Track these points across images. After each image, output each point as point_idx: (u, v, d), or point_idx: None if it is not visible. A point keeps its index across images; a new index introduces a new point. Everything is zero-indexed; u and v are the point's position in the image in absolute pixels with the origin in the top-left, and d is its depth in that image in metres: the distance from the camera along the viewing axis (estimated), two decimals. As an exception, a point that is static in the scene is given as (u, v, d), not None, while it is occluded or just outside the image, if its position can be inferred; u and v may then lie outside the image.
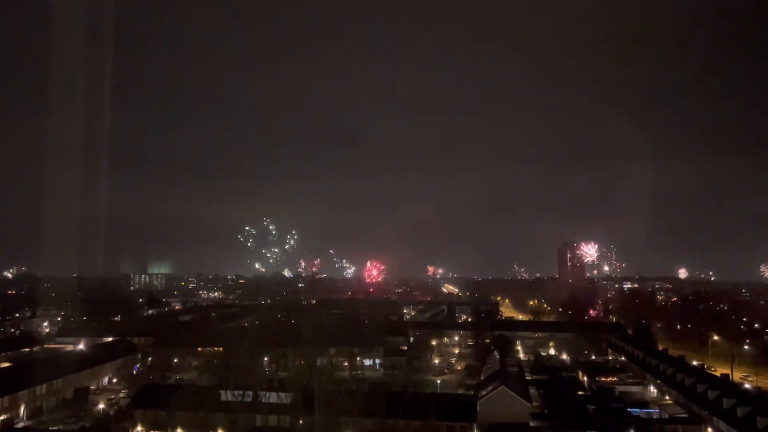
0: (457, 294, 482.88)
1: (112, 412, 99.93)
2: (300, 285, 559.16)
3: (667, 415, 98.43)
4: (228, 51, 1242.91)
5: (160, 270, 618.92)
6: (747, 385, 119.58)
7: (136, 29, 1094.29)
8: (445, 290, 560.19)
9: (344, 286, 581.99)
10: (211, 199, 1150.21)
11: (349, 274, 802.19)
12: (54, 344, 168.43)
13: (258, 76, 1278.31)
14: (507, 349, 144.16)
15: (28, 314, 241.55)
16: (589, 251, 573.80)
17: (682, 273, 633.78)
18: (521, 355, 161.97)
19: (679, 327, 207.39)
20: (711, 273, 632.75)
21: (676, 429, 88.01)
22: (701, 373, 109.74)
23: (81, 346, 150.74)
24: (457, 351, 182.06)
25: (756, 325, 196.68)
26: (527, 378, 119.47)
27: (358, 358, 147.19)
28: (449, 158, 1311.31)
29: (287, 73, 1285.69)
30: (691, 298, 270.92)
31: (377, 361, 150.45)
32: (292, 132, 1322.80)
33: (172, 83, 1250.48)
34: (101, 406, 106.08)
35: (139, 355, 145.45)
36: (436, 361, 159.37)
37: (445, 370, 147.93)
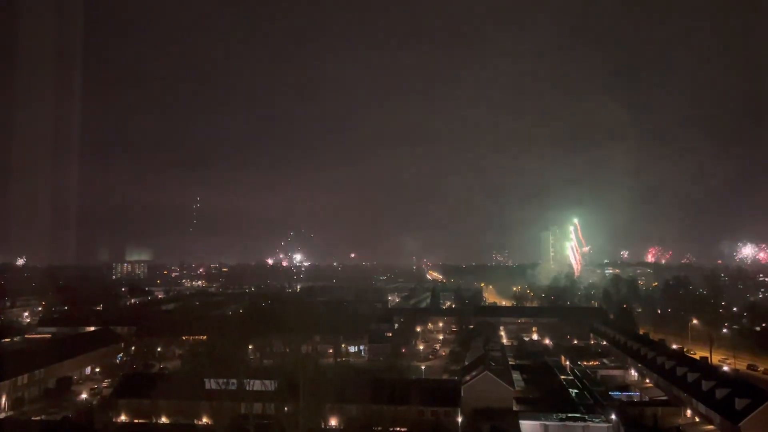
0: (442, 280, 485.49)
1: (95, 402, 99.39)
2: (285, 273, 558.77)
3: (647, 398, 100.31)
4: (217, 37, 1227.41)
5: (139, 257, 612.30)
6: (725, 368, 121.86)
7: (124, 13, 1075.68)
8: (429, 277, 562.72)
9: (329, 273, 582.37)
10: (195, 187, 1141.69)
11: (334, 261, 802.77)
12: (35, 334, 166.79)
13: (247, 64, 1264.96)
14: (490, 334, 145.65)
15: (8, 304, 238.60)
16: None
17: (662, 257, 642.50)
18: (504, 341, 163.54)
19: (659, 311, 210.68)
20: (690, 256, 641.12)
21: (656, 411, 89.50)
22: (681, 357, 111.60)
23: (62, 336, 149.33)
24: (441, 337, 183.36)
25: (734, 309, 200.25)
26: (510, 363, 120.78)
27: (343, 345, 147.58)
28: (432, 145, 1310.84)
29: (278, 62, 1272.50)
30: (671, 283, 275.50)
31: (362, 347, 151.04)
32: (280, 119, 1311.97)
33: (155, 70, 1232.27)
34: (84, 395, 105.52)
35: (122, 345, 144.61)
36: (421, 347, 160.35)
37: (430, 356, 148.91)
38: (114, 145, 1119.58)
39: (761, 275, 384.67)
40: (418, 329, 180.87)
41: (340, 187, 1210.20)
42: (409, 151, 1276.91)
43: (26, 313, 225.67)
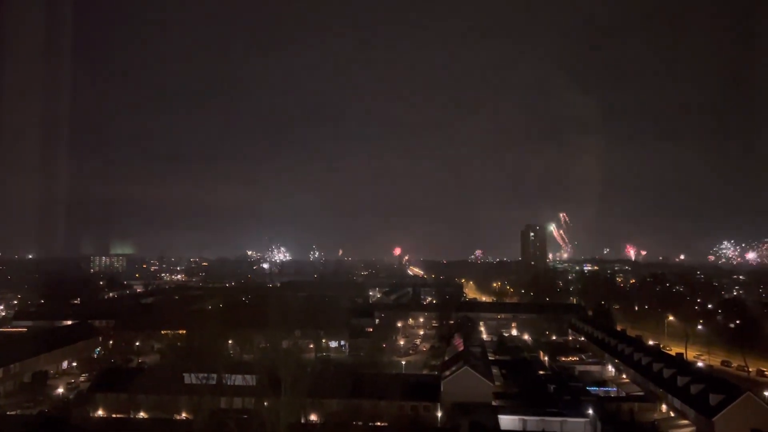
0: (423, 276, 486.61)
1: (71, 396, 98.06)
2: (265, 267, 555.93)
3: (624, 393, 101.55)
4: (208, 35, 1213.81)
5: (122, 251, 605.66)
6: (700, 364, 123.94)
7: (109, 8, 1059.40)
8: (410, 273, 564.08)
9: (310, 268, 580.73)
10: (177, 182, 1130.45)
11: (314, 256, 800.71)
12: (10, 327, 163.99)
13: (232, 60, 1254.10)
14: (471, 330, 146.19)
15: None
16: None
17: (640, 255, 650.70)
18: (484, 336, 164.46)
19: (637, 308, 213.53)
20: (667, 254, 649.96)
21: (632, 406, 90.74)
22: (657, 353, 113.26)
23: (39, 330, 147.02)
24: (421, 332, 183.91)
25: (709, 306, 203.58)
26: (490, 358, 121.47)
27: (324, 340, 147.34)
28: (416, 143, 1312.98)
29: (264, 60, 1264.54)
30: (648, 280, 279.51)
31: (343, 342, 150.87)
32: (261, 117, 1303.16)
33: (138, 66, 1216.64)
34: (60, 390, 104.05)
35: (100, 339, 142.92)
36: (401, 342, 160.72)
37: (410, 351, 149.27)
38: (103, 141, 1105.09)
39: (735, 275, 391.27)
40: (399, 324, 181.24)
41: (323, 184, 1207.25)
42: (393, 150, 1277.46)
43: (1, 306, 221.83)
